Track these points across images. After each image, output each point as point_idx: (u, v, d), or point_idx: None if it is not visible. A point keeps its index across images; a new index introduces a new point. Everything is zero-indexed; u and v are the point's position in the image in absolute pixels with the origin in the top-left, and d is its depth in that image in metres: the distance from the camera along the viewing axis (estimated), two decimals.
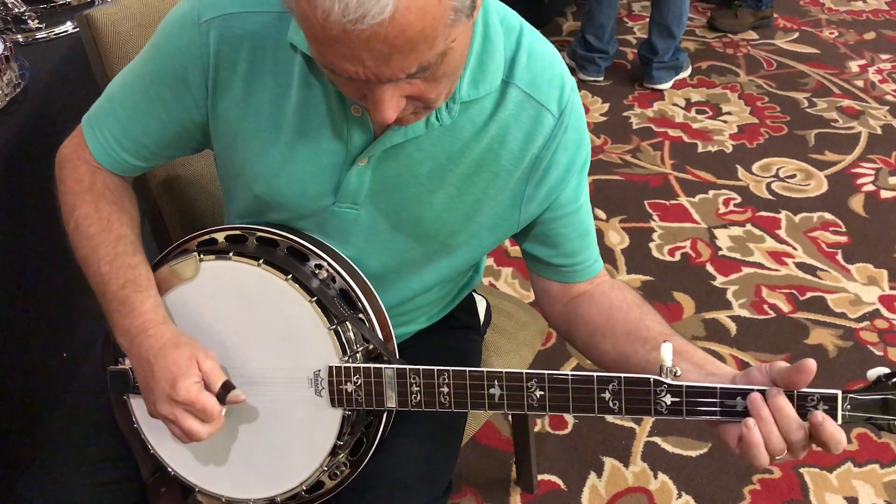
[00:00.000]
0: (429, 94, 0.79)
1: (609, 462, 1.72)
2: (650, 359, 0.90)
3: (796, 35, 3.49)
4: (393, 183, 0.95)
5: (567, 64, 3.15)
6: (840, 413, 0.79)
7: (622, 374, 0.84)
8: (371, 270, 0.99)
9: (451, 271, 1.05)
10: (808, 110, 2.94)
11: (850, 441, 1.74)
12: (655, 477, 1.68)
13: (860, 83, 3.12)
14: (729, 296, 2.13)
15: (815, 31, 3.51)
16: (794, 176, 2.60)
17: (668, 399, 0.82)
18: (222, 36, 0.90)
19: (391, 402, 0.93)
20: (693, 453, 1.73)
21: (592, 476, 1.69)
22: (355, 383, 0.93)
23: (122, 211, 1.01)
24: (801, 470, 1.68)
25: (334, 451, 0.96)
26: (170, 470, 1.03)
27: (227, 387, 0.92)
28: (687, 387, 0.82)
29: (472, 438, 1.75)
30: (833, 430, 0.78)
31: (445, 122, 0.90)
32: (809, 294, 2.13)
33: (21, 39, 1.54)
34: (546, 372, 0.87)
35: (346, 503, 0.99)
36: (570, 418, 1.82)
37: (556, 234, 1.00)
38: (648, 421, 1.80)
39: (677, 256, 2.27)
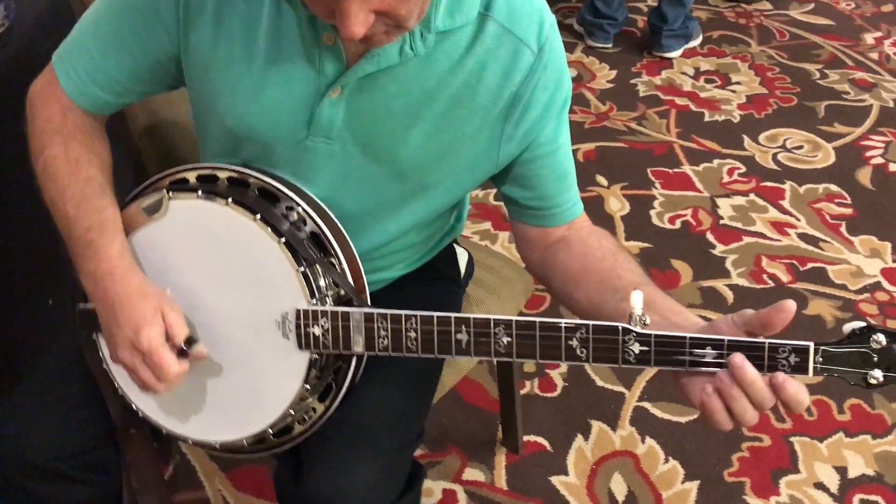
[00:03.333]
0: (398, 9, 0.77)
1: (597, 425, 1.70)
2: (620, 308, 0.88)
3: (811, 6, 3.41)
4: (367, 116, 0.92)
5: (575, 30, 3.15)
6: (812, 365, 0.77)
7: (590, 322, 0.82)
8: (346, 211, 0.98)
9: (428, 213, 1.02)
10: (820, 82, 2.88)
11: (842, 411, 1.72)
12: (643, 441, 1.67)
13: (875, 56, 3.05)
14: (728, 264, 2.10)
15: (831, 3, 3.44)
16: (801, 147, 2.55)
17: (637, 348, 0.80)
18: None
19: (358, 347, 0.91)
20: (682, 419, 1.71)
21: (579, 439, 1.68)
22: (322, 327, 0.91)
23: (91, 152, 0.99)
24: (791, 438, 1.66)
25: (301, 395, 0.95)
26: (138, 411, 1.02)
27: (191, 341, 0.91)
28: (655, 335, 0.80)
29: (459, 398, 1.76)
30: (794, 391, 0.76)
31: (420, 51, 0.88)
32: (810, 265, 2.09)
33: None
34: (513, 318, 0.85)
35: (314, 447, 0.98)
36: (559, 381, 1.80)
37: (534, 176, 0.98)
38: (639, 385, 1.78)
39: (677, 224, 2.24)
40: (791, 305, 0.76)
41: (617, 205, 2.31)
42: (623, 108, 2.75)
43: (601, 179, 2.41)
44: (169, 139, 1.26)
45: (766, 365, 0.77)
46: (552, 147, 0.97)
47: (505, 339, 0.85)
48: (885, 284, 2.03)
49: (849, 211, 2.28)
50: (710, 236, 2.19)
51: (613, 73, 2.95)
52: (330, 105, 0.91)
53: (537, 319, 0.84)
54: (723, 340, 0.78)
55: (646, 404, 1.74)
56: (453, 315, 0.87)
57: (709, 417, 0.79)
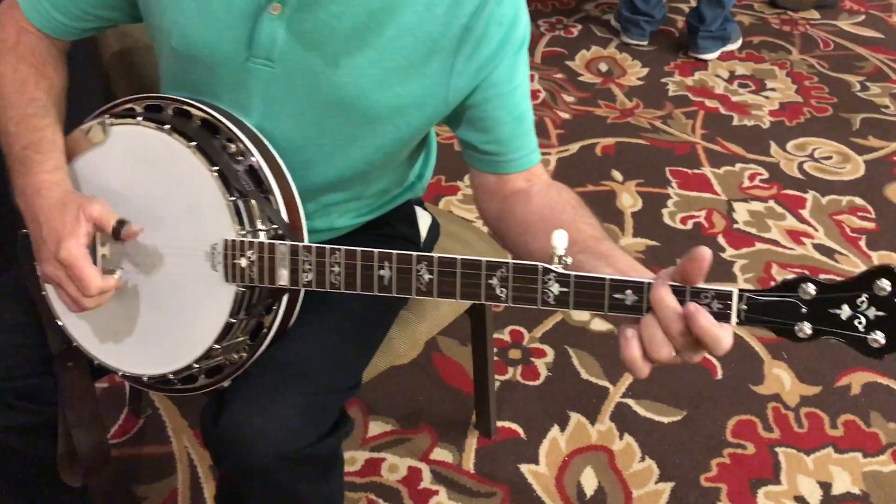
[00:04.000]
0: None
1: (575, 417, 1.65)
2: (577, 261, 0.82)
3: (862, 18, 3.30)
4: (309, 38, 0.90)
5: (612, 26, 3.09)
6: (735, 312, 0.71)
7: (511, 261, 0.78)
8: (291, 142, 0.95)
9: (377, 153, 0.99)
10: (859, 94, 2.77)
11: (835, 426, 1.63)
12: (621, 438, 1.61)
13: None
14: (735, 269, 2.02)
15: (884, 16, 3.31)
16: (829, 158, 2.45)
17: (556, 288, 0.76)
18: None
19: (283, 280, 0.88)
20: (665, 419, 1.64)
21: (555, 429, 1.62)
22: (249, 258, 0.89)
23: (41, 75, 0.99)
24: (777, 448, 1.59)
25: (228, 331, 0.92)
26: (72, 341, 1.01)
27: (122, 223, 0.89)
28: (575, 276, 0.75)
29: (437, 377, 1.72)
30: (708, 324, 0.70)
31: None
32: (822, 276, 1.99)
33: None
34: (436, 255, 0.81)
35: (238, 384, 0.95)
36: (543, 370, 1.75)
37: (489, 118, 0.95)
38: (625, 381, 1.72)
39: (689, 225, 2.17)
40: (704, 252, 0.70)
41: (629, 201, 2.25)
42: (649, 105, 2.68)
43: (616, 175, 2.35)
44: (139, 66, 1.25)
45: None
46: (508, 87, 0.94)
47: (426, 276, 0.81)
48: None
49: (871, 225, 2.18)
50: (721, 239, 2.12)
51: (645, 70, 2.89)
52: (269, 21, 0.89)
53: (459, 257, 0.80)
54: (643, 283, 0.73)
55: (629, 401, 1.68)
56: (377, 251, 0.83)
57: (624, 361, 0.74)
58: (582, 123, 2.57)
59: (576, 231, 0.89)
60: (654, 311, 0.72)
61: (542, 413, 1.66)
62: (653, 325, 0.72)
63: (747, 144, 2.50)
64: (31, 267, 1.01)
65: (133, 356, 0.99)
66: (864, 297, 0.68)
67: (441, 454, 1.57)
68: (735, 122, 2.61)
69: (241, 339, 0.95)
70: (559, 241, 0.75)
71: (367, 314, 1.05)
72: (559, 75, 2.83)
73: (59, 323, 1.01)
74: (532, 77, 2.80)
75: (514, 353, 1.78)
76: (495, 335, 1.80)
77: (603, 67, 2.90)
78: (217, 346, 0.93)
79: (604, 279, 0.74)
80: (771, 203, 2.26)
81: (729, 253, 2.07)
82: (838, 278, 0.69)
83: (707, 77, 2.86)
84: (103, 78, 1.24)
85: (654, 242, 2.10)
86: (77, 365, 1.03)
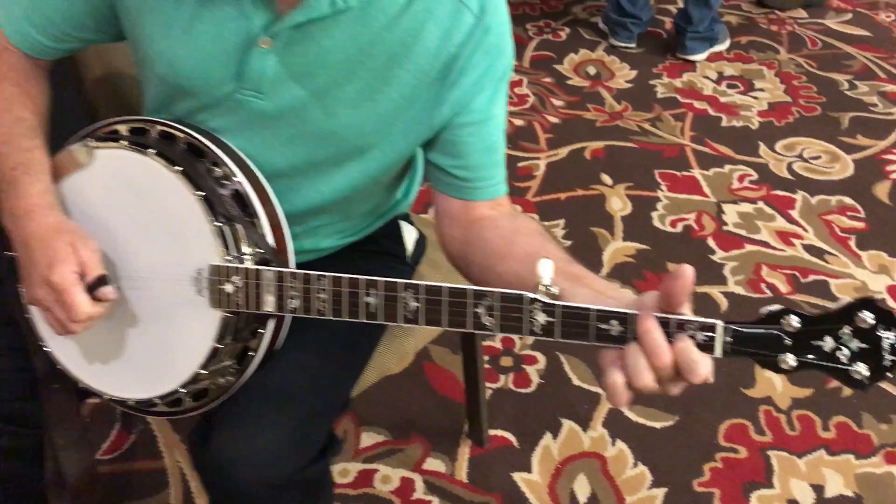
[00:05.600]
0: None
1: (568, 424, 1.65)
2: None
3: (849, 16, 3.30)
4: (299, 71, 0.90)
5: (600, 28, 3.08)
6: (720, 344, 0.71)
7: (497, 290, 0.78)
8: (277, 168, 0.95)
9: (364, 179, 0.99)
10: (848, 92, 2.78)
11: (827, 429, 1.64)
12: (613, 444, 1.61)
13: None
14: (726, 271, 2.02)
15: (871, 14, 3.32)
16: (818, 157, 2.46)
17: (542, 318, 0.76)
18: None
19: (268, 306, 0.88)
20: (657, 424, 1.64)
21: (548, 437, 1.62)
22: (235, 284, 0.88)
23: (25, 95, 0.98)
24: (769, 452, 1.59)
25: (214, 356, 0.92)
26: (57, 364, 1.00)
27: (101, 281, 0.88)
28: (561, 306, 0.75)
29: (428, 386, 1.72)
30: (696, 357, 0.69)
31: (352, 4, 0.86)
32: (812, 277, 2.01)
33: None
34: (423, 283, 0.81)
35: (226, 410, 0.95)
36: (535, 378, 1.75)
37: (461, 143, 0.94)
38: None
39: (679, 228, 2.17)
40: (687, 270, 0.70)
41: (619, 204, 2.25)
42: (638, 108, 2.68)
43: (606, 178, 2.35)
44: (122, 91, 1.24)
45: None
46: (484, 116, 0.94)
47: (413, 304, 0.81)
48: (891, 302, 1.94)
49: (861, 225, 2.18)
50: (711, 242, 2.12)
51: (633, 73, 2.89)
52: (260, 56, 0.89)
53: (445, 285, 0.79)
54: (627, 314, 0.72)
55: (622, 407, 1.68)
56: (363, 277, 0.83)
57: (605, 388, 0.74)
58: (571, 127, 2.57)
59: (546, 253, 0.88)
60: (640, 342, 0.71)
61: (534, 421, 1.66)
62: (637, 353, 0.71)
63: (736, 145, 2.51)
64: (16, 290, 1.00)
65: (118, 380, 0.98)
66: (846, 329, 0.68)
67: (434, 464, 1.57)
68: (724, 124, 2.62)
69: (228, 363, 0.95)
70: (545, 270, 0.75)
71: (353, 334, 1.05)
72: (548, 79, 2.83)
73: (44, 346, 1.00)
74: (521, 81, 2.80)
75: (506, 361, 1.78)
76: (487, 342, 1.80)
77: (591, 71, 2.89)
78: (203, 371, 0.92)
79: (589, 310, 0.74)
80: (760, 204, 2.26)
81: (719, 255, 2.08)
82: (828, 305, 0.69)
83: (695, 78, 2.86)
84: (86, 101, 1.23)
85: (644, 246, 2.10)
86: (63, 387, 1.03)
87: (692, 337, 0.71)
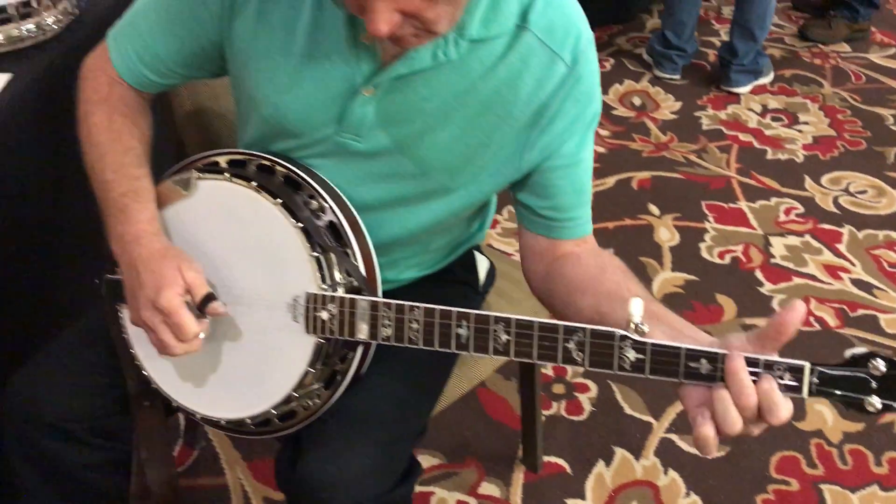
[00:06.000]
0: (425, 13, 0.78)
1: (620, 452, 1.67)
2: (625, 319, 0.86)
3: (893, 51, 3.32)
4: (397, 117, 0.94)
5: (644, 60, 3.13)
6: (806, 385, 0.74)
7: (588, 326, 0.81)
8: (366, 202, 0.99)
9: (447, 214, 1.03)
10: (893, 127, 2.79)
11: (880, 464, 1.65)
12: (665, 473, 1.63)
13: None
14: (774, 304, 2.04)
15: None
16: (864, 192, 2.47)
17: (632, 355, 0.79)
18: None
19: (362, 334, 0.92)
20: (709, 454, 1.66)
21: (600, 464, 1.65)
22: (330, 312, 0.93)
23: (133, 125, 1.03)
24: (822, 486, 1.60)
25: (305, 379, 0.96)
26: (152, 383, 1.05)
27: (210, 298, 0.93)
28: (652, 344, 0.79)
29: (482, 412, 1.75)
30: (780, 399, 0.73)
31: (452, 57, 0.90)
32: (861, 311, 2.02)
33: None
34: (513, 317, 0.85)
35: (313, 431, 0.99)
36: (587, 405, 1.78)
37: (551, 185, 0.98)
38: (668, 416, 1.74)
39: (727, 259, 2.20)
40: (801, 306, 0.73)
41: (667, 235, 2.28)
42: (684, 139, 2.72)
43: (653, 209, 2.38)
44: (211, 128, 1.30)
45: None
46: (574, 160, 0.97)
47: (504, 337, 0.85)
48: None
49: None
50: (758, 274, 2.14)
51: (678, 104, 2.92)
52: (362, 103, 0.93)
53: (536, 320, 0.83)
54: (717, 353, 0.76)
55: (673, 436, 1.70)
56: (455, 309, 0.87)
57: (696, 433, 0.77)
58: (617, 157, 2.61)
59: (627, 291, 0.92)
60: (727, 383, 0.74)
61: (587, 448, 1.68)
62: (726, 399, 0.74)
63: (782, 178, 2.53)
64: (114, 310, 1.06)
65: (211, 400, 1.03)
66: None
67: (488, 488, 1.60)
68: (769, 156, 2.64)
69: (316, 386, 0.99)
70: (636, 308, 0.79)
71: (432, 360, 1.08)
72: None
73: (139, 364, 1.05)
74: None
75: (558, 388, 1.82)
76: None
77: (636, 101, 2.94)
78: (294, 394, 0.97)
79: (679, 348, 0.77)
80: (807, 237, 2.28)
81: (767, 287, 2.10)
82: (878, 340, 0.72)
83: (740, 111, 2.89)
84: (176, 134, 1.29)
85: (692, 277, 2.13)
86: (152, 405, 1.08)
87: (780, 377, 0.74)
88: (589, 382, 1.83)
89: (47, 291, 1.39)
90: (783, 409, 0.73)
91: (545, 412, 1.75)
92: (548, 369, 1.86)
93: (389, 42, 0.82)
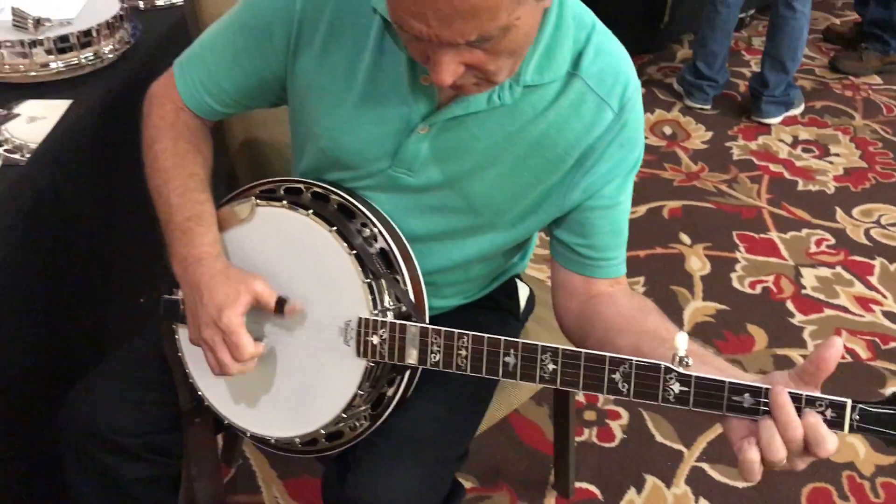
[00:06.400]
0: (488, 65, 0.82)
1: (651, 480, 1.69)
2: (666, 357, 0.88)
3: None
4: (449, 154, 0.98)
5: (674, 89, 3.16)
6: (848, 421, 0.76)
7: (634, 358, 0.84)
8: (414, 233, 1.03)
9: (492, 248, 1.07)
10: None
11: None
12: (696, 501, 1.64)
13: None
14: (805, 335, 2.05)
15: None
16: None
17: (677, 387, 0.82)
18: None
19: (411, 359, 0.96)
20: (740, 484, 1.67)
21: (632, 491, 1.66)
22: (381, 336, 0.96)
23: (197, 151, 1.08)
24: None
25: (354, 401, 0.99)
26: (204, 400, 1.09)
27: (282, 300, 0.98)
28: (696, 377, 0.81)
29: (515, 437, 1.77)
30: (825, 433, 0.75)
31: (507, 101, 0.94)
32: (893, 344, 2.03)
33: (141, 5, 1.66)
34: (560, 347, 0.87)
35: (361, 451, 1.02)
36: (618, 432, 1.79)
37: (590, 224, 1.01)
38: (699, 445, 1.75)
39: (758, 290, 2.21)
40: (838, 341, 0.76)
41: (698, 264, 2.30)
42: (715, 169, 2.74)
43: (684, 238, 2.40)
44: (262, 157, 1.35)
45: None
46: (613, 202, 1.01)
47: (550, 367, 0.88)
48: None
49: None
50: (790, 304, 2.15)
51: (709, 134, 2.95)
52: (416, 140, 0.98)
53: (583, 350, 0.86)
54: (760, 388, 0.78)
55: (704, 465, 1.72)
56: (503, 338, 0.90)
57: (741, 458, 0.80)
58: (648, 186, 2.64)
59: (665, 331, 0.94)
60: (773, 416, 0.77)
61: (618, 475, 1.70)
62: (772, 428, 0.77)
63: (813, 209, 2.54)
64: (170, 329, 1.10)
65: (262, 419, 1.06)
66: None
67: None
68: (800, 187, 2.66)
69: (364, 408, 1.03)
70: (681, 342, 0.81)
71: (475, 385, 1.11)
72: None
73: (193, 383, 1.09)
74: None
75: (590, 415, 1.83)
76: None
77: (667, 130, 2.97)
78: (343, 415, 1.00)
79: (724, 382, 0.80)
80: (839, 269, 2.29)
81: (798, 319, 2.11)
82: None
83: (770, 141, 2.91)
84: (228, 159, 1.34)
85: (723, 306, 2.15)
86: (203, 422, 1.12)
87: (822, 413, 0.76)
88: (620, 409, 1.85)
89: (101, 310, 1.44)
90: (830, 442, 0.75)
91: (577, 438, 1.77)
92: (580, 395, 1.88)
93: (449, 88, 0.86)
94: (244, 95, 1.07)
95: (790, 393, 0.77)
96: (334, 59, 0.98)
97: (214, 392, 1.08)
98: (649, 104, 3.13)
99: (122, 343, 1.46)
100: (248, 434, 1.08)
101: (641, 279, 2.22)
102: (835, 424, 0.77)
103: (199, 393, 1.09)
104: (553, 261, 1.08)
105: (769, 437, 0.77)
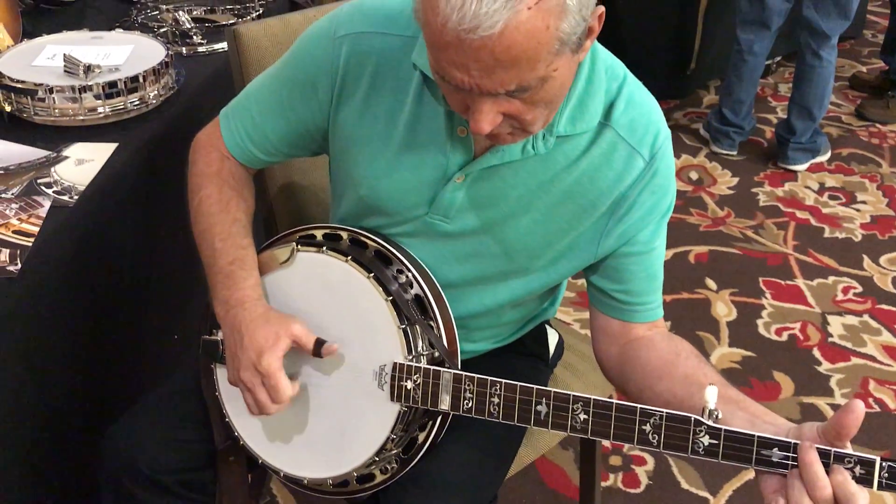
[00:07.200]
0: (525, 115, 0.86)
1: None
2: (701, 405, 0.90)
3: None
4: (484, 202, 1.01)
5: (701, 135, 3.19)
6: (877, 479, 0.77)
7: (664, 410, 0.86)
8: (449, 280, 1.06)
9: (524, 293, 1.09)
10: None
11: None
12: None
13: None
14: (832, 383, 2.05)
15: None
16: None
17: (706, 440, 0.83)
18: (353, 51, 1.01)
19: (444, 405, 0.98)
20: None
21: None
22: (415, 381, 0.99)
23: (240, 198, 1.12)
24: None
25: (386, 445, 1.02)
26: (240, 440, 1.11)
27: (320, 342, 1.00)
28: (725, 430, 0.83)
29: (540, 481, 1.78)
30: (854, 490, 0.76)
31: (540, 151, 0.97)
32: None
33: (184, 51, 1.72)
34: (592, 397, 0.89)
35: (392, 495, 1.04)
36: (644, 478, 1.79)
37: (625, 270, 1.04)
38: (725, 493, 1.75)
39: (784, 337, 2.21)
40: (859, 406, 0.77)
41: (724, 310, 2.31)
42: (741, 215, 2.75)
43: (710, 283, 2.41)
44: (300, 201, 1.39)
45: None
46: (648, 248, 1.03)
47: (582, 416, 0.90)
48: None
49: None
50: (816, 352, 2.15)
51: (735, 180, 2.97)
52: (453, 189, 1.01)
53: (615, 401, 0.88)
54: (790, 443, 0.80)
55: None
56: (535, 387, 0.92)
57: None
58: (675, 230, 2.65)
59: (703, 376, 0.97)
60: (801, 474, 0.78)
61: None
62: (800, 488, 0.78)
63: (839, 257, 2.54)
64: (209, 369, 1.13)
65: (296, 459, 1.09)
66: None
67: None
68: (826, 234, 2.66)
69: (395, 451, 1.05)
70: (711, 396, 0.83)
71: (505, 429, 1.13)
72: None
73: (229, 422, 1.12)
74: None
75: (615, 460, 1.84)
76: None
77: (694, 176, 2.99)
78: (376, 458, 1.02)
79: (753, 436, 0.81)
80: (866, 317, 2.28)
81: (825, 367, 2.10)
82: None
83: (797, 188, 2.92)
84: (267, 204, 1.38)
85: (749, 353, 2.15)
86: (237, 460, 1.14)
87: (851, 470, 0.77)
88: (646, 455, 1.85)
89: (141, 346, 1.47)
90: (861, 499, 0.76)
91: (602, 483, 1.77)
92: (606, 441, 1.88)
93: (485, 137, 0.90)
94: (287, 144, 1.11)
95: (819, 449, 0.79)
96: (375, 111, 1.02)
97: (250, 432, 1.11)
98: (676, 149, 3.12)
99: (157, 377, 1.50)
100: (282, 474, 1.10)
101: (668, 324, 2.22)
102: (863, 481, 0.78)
103: (236, 432, 1.11)
104: (591, 306, 1.10)
105: (798, 498, 0.78)
